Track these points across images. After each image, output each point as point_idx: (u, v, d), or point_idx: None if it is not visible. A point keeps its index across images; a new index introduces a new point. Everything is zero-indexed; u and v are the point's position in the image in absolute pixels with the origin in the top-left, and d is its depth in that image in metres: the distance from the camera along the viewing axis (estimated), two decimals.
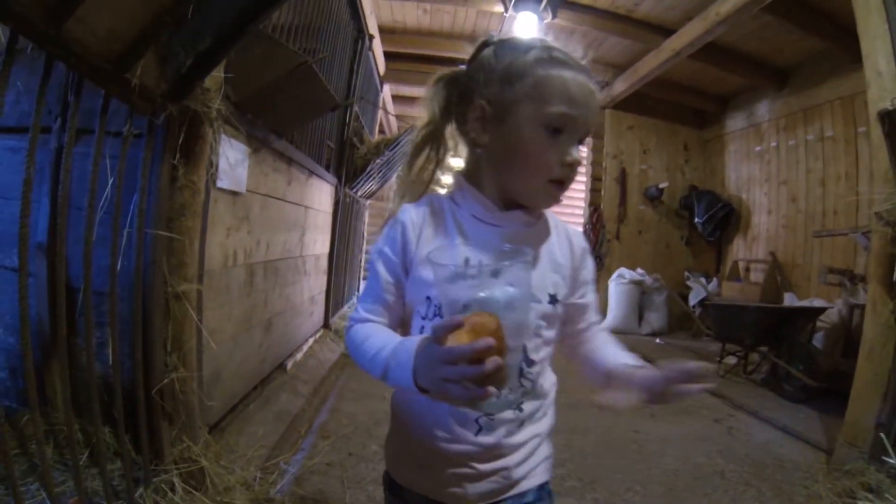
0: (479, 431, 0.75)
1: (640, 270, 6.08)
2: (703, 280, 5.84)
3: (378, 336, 0.73)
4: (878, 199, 2.18)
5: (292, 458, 2.09)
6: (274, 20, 2.26)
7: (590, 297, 0.87)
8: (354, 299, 5.80)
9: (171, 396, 1.58)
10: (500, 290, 0.57)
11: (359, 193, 4.93)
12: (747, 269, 6.01)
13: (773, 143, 5.76)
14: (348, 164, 4.31)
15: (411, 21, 5.32)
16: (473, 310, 0.56)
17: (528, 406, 0.78)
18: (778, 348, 3.71)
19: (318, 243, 3.70)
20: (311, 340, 3.59)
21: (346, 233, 4.66)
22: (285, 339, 2.97)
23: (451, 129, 0.83)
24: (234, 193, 2.03)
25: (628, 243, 6.64)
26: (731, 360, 4.26)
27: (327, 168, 3.77)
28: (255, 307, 2.39)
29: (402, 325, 0.81)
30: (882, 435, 2.07)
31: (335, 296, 4.41)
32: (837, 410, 2.55)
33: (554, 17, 4.46)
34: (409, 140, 0.86)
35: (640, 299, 5.99)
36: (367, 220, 6.60)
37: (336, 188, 4.09)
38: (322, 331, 4.01)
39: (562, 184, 0.74)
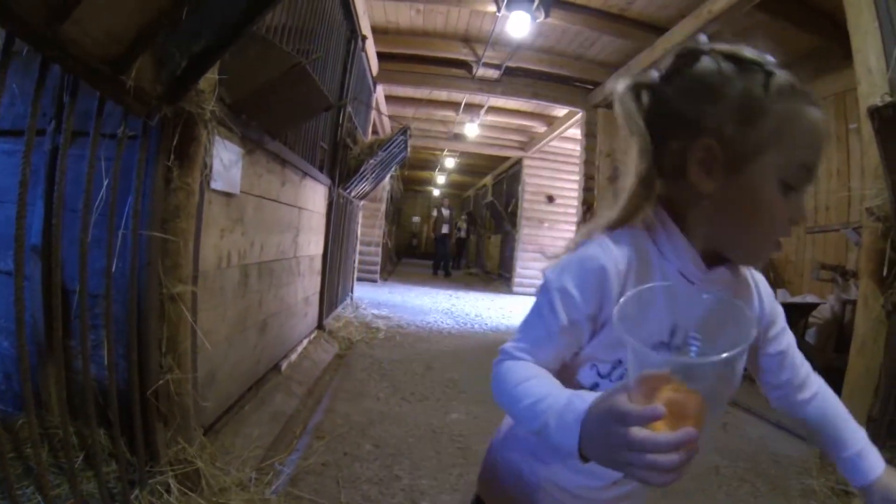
0: (614, 483, 0.72)
1: None
2: None
3: (539, 383, 0.60)
4: (869, 195, 2.20)
5: (287, 458, 2.08)
6: (267, 21, 2.25)
7: (784, 342, 0.76)
8: (349, 300, 5.79)
9: (167, 398, 1.58)
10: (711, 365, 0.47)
11: (352, 194, 4.92)
12: None
13: None
14: (342, 164, 4.32)
15: (404, 21, 5.31)
16: (672, 373, 0.46)
17: None
18: None
19: (312, 244, 3.70)
20: (305, 341, 3.59)
21: (339, 234, 4.66)
22: (280, 340, 2.97)
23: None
24: (229, 195, 2.02)
25: None
26: None
27: (321, 169, 3.77)
28: (249, 308, 2.39)
29: (561, 367, 0.69)
30: (874, 429, 2.09)
31: (329, 297, 4.41)
32: None
33: (547, 16, 4.46)
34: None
35: None
36: (360, 220, 6.59)
37: (330, 189, 4.09)
38: (316, 332, 4.01)
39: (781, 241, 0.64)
